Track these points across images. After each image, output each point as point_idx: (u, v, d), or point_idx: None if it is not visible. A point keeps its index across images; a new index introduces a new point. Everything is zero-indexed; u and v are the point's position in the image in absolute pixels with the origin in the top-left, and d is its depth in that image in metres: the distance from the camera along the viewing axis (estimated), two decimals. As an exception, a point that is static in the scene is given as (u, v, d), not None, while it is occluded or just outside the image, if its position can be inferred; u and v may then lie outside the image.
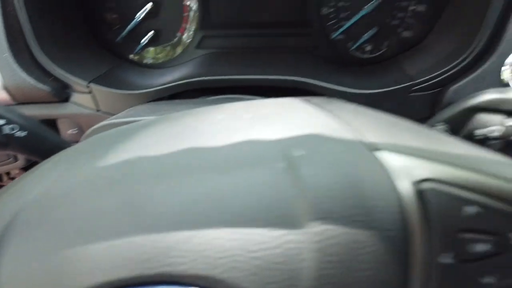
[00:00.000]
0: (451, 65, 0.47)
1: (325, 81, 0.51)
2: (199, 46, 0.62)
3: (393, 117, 0.27)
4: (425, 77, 0.48)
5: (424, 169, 0.20)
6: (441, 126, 0.35)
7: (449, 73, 0.47)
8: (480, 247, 0.19)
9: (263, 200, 0.18)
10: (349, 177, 0.19)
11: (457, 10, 0.50)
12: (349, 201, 0.19)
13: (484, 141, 0.33)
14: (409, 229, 0.19)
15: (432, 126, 0.36)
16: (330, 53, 0.60)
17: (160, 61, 0.64)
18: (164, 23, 0.62)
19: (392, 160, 0.21)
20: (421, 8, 0.56)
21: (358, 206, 0.19)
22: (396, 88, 0.46)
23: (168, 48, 0.63)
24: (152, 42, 0.63)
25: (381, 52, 0.59)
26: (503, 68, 0.44)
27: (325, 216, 0.18)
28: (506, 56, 0.44)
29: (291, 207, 0.18)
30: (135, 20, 0.61)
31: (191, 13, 0.61)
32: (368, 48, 0.59)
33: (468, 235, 0.19)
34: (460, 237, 0.19)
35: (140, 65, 0.63)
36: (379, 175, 0.20)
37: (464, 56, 0.46)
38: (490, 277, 0.19)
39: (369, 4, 0.56)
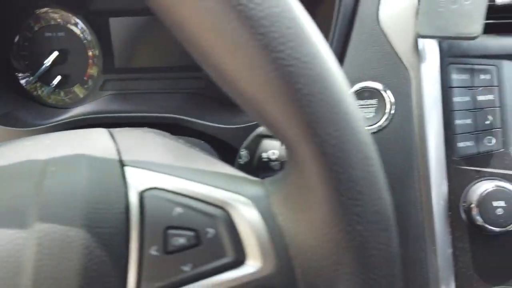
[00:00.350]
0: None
1: (202, 119, 0.58)
2: (102, 88, 0.69)
3: (165, 140, 0.33)
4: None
5: (151, 180, 0.26)
6: (243, 152, 0.42)
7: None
8: (181, 241, 0.24)
9: (3, 206, 0.23)
10: (86, 186, 0.25)
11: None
12: (77, 204, 0.24)
13: (268, 163, 0.39)
14: (129, 228, 0.24)
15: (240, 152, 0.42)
16: (217, 94, 0.67)
17: (66, 102, 0.70)
18: (71, 69, 0.69)
19: (133, 174, 0.27)
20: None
21: (83, 208, 0.24)
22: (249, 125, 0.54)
23: (75, 90, 0.70)
24: (60, 85, 0.69)
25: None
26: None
27: (49, 217, 0.23)
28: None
29: (24, 210, 0.23)
30: (44, 66, 0.68)
31: (95, 59, 0.68)
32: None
33: (173, 231, 0.25)
34: (167, 233, 0.25)
35: (46, 106, 0.69)
36: (115, 185, 0.26)
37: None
38: (187, 265, 0.24)
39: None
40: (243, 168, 0.43)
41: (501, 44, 0.49)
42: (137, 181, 0.27)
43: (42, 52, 0.68)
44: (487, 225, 0.47)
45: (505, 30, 0.50)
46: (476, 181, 0.49)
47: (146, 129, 0.37)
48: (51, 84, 0.69)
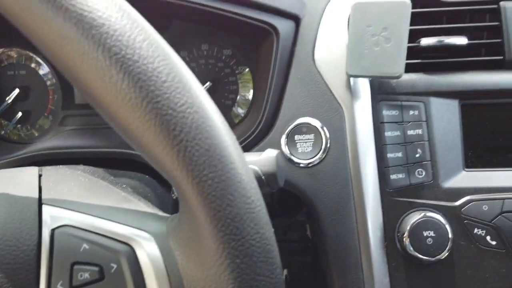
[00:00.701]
0: (246, 136, 0.57)
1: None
2: (62, 123, 0.71)
3: (89, 178, 0.35)
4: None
5: (64, 218, 0.28)
6: None
7: (245, 143, 0.57)
8: (86, 276, 0.26)
9: None
10: (1, 225, 0.27)
11: (259, 93, 0.62)
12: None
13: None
14: (39, 264, 0.26)
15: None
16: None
17: (27, 138, 0.71)
18: (32, 105, 0.71)
19: (48, 212, 0.28)
20: (244, 92, 0.67)
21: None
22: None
23: (35, 126, 0.72)
24: (21, 121, 0.71)
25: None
26: (282, 140, 0.55)
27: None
28: (282, 129, 0.55)
29: None
30: (5, 103, 0.70)
31: (55, 96, 0.71)
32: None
33: (79, 267, 0.26)
34: (73, 268, 0.26)
35: (7, 141, 0.71)
36: (29, 223, 0.27)
37: (252, 130, 0.56)
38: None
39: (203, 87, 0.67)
40: (176, 202, 0.45)
41: (427, 81, 0.53)
42: (51, 218, 0.28)
43: (4, 90, 0.70)
44: (418, 255, 0.49)
45: (431, 68, 0.53)
46: (409, 211, 0.52)
47: (76, 167, 0.39)
48: (12, 121, 0.71)
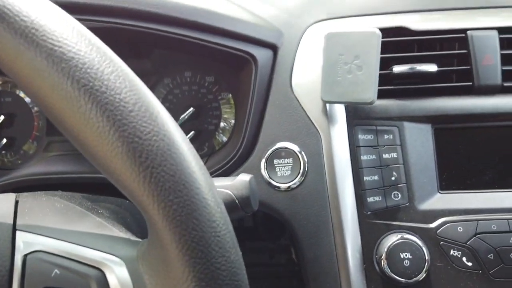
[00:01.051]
0: (226, 160, 0.58)
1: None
2: (46, 149, 0.72)
3: (65, 204, 0.36)
4: (211, 170, 0.58)
5: (37, 244, 0.29)
6: None
7: (225, 168, 0.58)
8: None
9: None
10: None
11: (241, 119, 0.63)
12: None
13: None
14: None
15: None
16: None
17: (11, 164, 0.72)
18: (17, 131, 0.72)
19: (22, 238, 0.29)
20: (227, 117, 0.69)
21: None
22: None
23: (20, 152, 0.72)
24: (5, 148, 0.72)
25: (203, 152, 0.70)
26: (261, 164, 0.56)
27: None
28: (262, 153, 0.56)
29: None
30: (-10, 130, 0.71)
31: (40, 122, 0.72)
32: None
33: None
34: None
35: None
36: (2, 249, 0.28)
37: (232, 154, 0.57)
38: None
39: (186, 113, 0.69)
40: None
41: (401, 107, 0.54)
42: (24, 244, 0.29)
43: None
44: (396, 277, 0.50)
45: (404, 94, 0.55)
46: (386, 234, 0.52)
47: (54, 193, 0.40)
48: (-4, 147, 0.71)
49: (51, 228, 0.31)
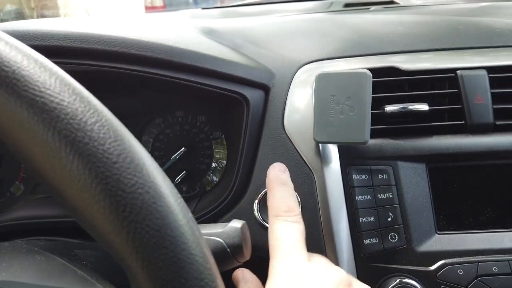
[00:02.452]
0: (218, 202, 0.56)
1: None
2: (33, 191, 0.70)
3: (36, 257, 0.34)
4: (202, 212, 0.57)
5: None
6: None
7: (217, 210, 0.56)
8: None
9: None
10: None
11: (233, 159, 0.62)
12: None
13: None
14: None
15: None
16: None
17: (-3, 206, 0.70)
18: (4, 173, 0.70)
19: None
20: (219, 157, 0.68)
21: None
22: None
23: (7, 194, 0.70)
24: (-9, 190, 0.70)
25: (195, 192, 0.69)
26: (254, 206, 0.54)
27: None
28: (254, 195, 0.55)
29: None
30: (-23, 171, 0.69)
31: (29, 164, 0.70)
32: (184, 188, 0.69)
33: None
34: None
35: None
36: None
37: (225, 196, 0.56)
38: None
39: (177, 153, 0.68)
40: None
41: (394, 146, 0.54)
42: None
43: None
44: (396, 324, 0.47)
45: (397, 133, 0.55)
46: (384, 278, 0.50)
47: (36, 242, 0.38)
48: (-18, 189, 0.69)
49: (29, 285, 0.29)
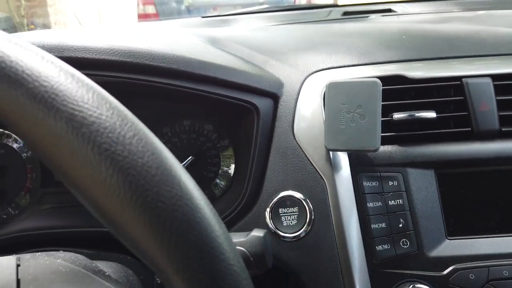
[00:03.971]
0: (230, 210, 0.57)
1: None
2: (39, 202, 0.69)
3: (69, 267, 0.34)
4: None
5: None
6: None
7: (228, 218, 0.56)
8: None
9: None
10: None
11: (242, 167, 0.63)
12: None
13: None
14: None
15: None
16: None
17: (3, 218, 0.69)
18: (9, 184, 0.69)
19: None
20: (226, 165, 0.68)
21: None
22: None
23: (12, 205, 0.69)
24: (-3, 201, 0.69)
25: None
26: (266, 214, 0.55)
27: None
28: (266, 203, 0.55)
29: None
30: (-18, 183, 0.68)
31: (34, 174, 0.70)
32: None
33: None
34: None
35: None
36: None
37: (236, 204, 0.56)
38: None
39: (185, 162, 0.68)
40: (160, 287, 0.43)
41: (403, 153, 0.55)
42: None
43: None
44: (411, 329, 0.48)
45: (406, 140, 0.56)
46: (398, 283, 0.51)
47: (56, 254, 0.37)
48: (-13, 201, 0.68)
49: None
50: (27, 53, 0.25)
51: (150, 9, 3.84)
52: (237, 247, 0.36)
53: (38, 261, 0.35)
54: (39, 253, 0.39)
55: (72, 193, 0.25)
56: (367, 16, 0.98)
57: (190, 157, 0.68)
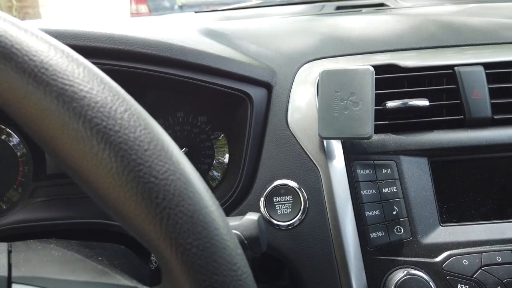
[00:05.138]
0: (225, 199, 0.56)
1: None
2: (31, 195, 0.68)
3: (62, 252, 0.33)
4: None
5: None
6: (153, 257, 0.42)
7: (225, 206, 0.56)
8: None
9: None
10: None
11: (236, 157, 0.62)
12: None
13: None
14: None
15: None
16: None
17: (-6, 211, 0.68)
18: (1, 177, 0.68)
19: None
20: (220, 156, 0.68)
21: None
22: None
23: (4, 198, 0.69)
24: (-12, 195, 0.68)
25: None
26: (260, 203, 0.55)
27: None
28: (260, 191, 0.55)
29: None
30: (-26, 176, 0.67)
31: (26, 167, 0.69)
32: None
33: None
34: None
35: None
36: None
37: (230, 193, 0.56)
38: None
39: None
40: (154, 273, 0.43)
41: (396, 141, 0.55)
42: None
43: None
44: (405, 315, 0.48)
45: (399, 128, 0.56)
46: (392, 270, 0.51)
47: (48, 241, 0.37)
48: (-22, 195, 0.68)
49: (51, 279, 0.29)
50: (16, 28, 0.25)
51: (143, 9, 3.82)
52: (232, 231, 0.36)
53: (30, 247, 0.35)
54: (31, 240, 0.39)
55: (62, 168, 0.25)
56: (360, 10, 0.98)
57: (184, 148, 0.68)
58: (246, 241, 0.35)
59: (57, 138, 0.24)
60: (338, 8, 1.04)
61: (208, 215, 0.24)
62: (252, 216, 0.37)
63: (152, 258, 0.42)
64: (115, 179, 0.23)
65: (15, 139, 0.69)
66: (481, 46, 0.60)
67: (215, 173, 0.68)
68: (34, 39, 0.25)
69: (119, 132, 0.23)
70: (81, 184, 0.25)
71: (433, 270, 0.50)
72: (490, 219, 0.53)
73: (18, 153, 0.69)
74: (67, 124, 0.23)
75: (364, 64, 0.58)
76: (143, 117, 0.25)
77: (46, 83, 0.23)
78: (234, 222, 0.37)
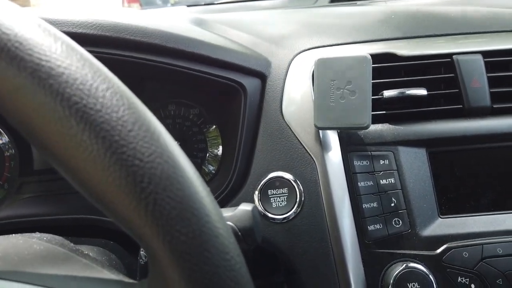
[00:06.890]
0: (218, 193, 0.55)
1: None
2: (18, 191, 0.66)
3: (46, 246, 0.32)
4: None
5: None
6: (143, 252, 0.41)
7: (218, 199, 0.54)
8: None
9: None
10: None
11: (229, 149, 0.61)
12: None
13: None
14: None
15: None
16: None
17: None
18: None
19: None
20: (213, 149, 0.66)
21: None
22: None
23: (-11, 195, 0.66)
24: (-27, 191, 0.66)
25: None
26: (255, 196, 0.53)
27: None
28: (255, 184, 0.53)
29: None
30: (-43, 173, 0.65)
31: (12, 163, 0.67)
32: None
33: None
34: None
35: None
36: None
37: (224, 186, 0.54)
38: None
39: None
40: (143, 268, 0.41)
41: (394, 131, 0.53)
42: None
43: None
44: (405, 309, 0.47)
45: (397, 119, 0.55)
46: (390, 263, 0.50)
47: (31, 235, 0.35)
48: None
49: (30, 274, 0.27)
50: None
51: (135, 7, 3.80)
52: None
53: (10, 240, 0.33)
54: (13, 234, 0.37)
55: (39, 152, 0.23)
56: (355, 3, 0.97)
57: (176, 142, 0.66)
58: (240, 233, 0.34)
59: (33, 119, 0.22)
60: (333, 0, 1.03)
61: (198, 200, 0.22)
62: (246, 207, 0.35)
63: (141, 252, 0.41)
64: (96, 163, 0.21)
65: (1, 134, 0.67)
66: (479, 35, 0.58)
67: (209, 166, 0.66)
68: (8, 12, 0.23)
69: (100, 111, 0.22)
70: (61, 170, 0.23)
71: (433, 263, 0.49)
72: (490, 211, 0.52)
73: (4, 148, 0.67)
74: (43, 103, 0.21)
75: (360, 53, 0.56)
76: (127, 96, 0.23)
77: (20, 58, 0.22)
78: (227, 213, 0.35)
